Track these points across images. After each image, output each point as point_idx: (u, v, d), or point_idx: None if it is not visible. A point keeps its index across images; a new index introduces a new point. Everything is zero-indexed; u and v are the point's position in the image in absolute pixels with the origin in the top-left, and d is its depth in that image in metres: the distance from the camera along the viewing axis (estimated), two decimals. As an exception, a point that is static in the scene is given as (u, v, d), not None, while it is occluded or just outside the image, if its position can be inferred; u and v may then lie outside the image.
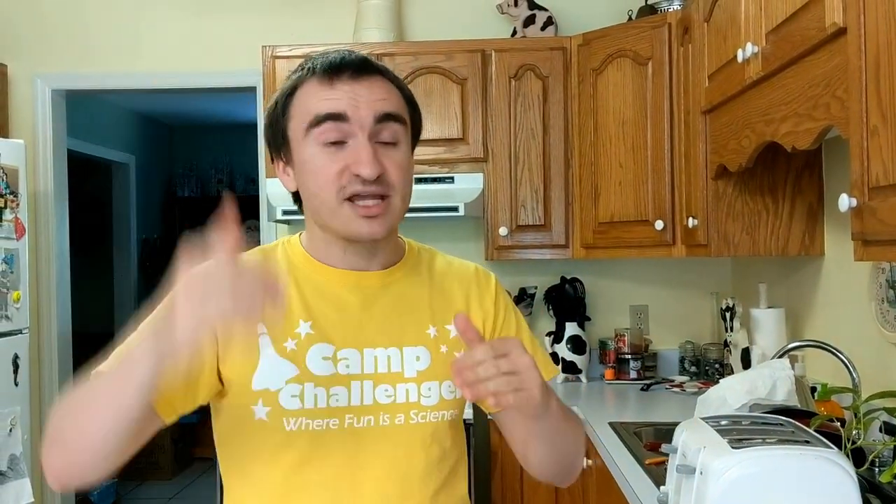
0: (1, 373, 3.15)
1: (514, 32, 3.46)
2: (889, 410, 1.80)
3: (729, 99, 2.23)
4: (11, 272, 3.22)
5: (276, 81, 3.21)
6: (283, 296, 1.00)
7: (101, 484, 5.12)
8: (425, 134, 3.54)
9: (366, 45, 3.29)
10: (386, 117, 1.19)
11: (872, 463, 1.77)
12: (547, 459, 1.31)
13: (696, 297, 3.56)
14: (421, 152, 3.16)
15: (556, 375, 1.42)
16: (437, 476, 1.24)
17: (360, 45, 3.30)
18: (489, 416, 1.39)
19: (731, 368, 2.90)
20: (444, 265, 1.36)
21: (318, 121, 1.17)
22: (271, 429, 1.18)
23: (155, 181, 7.10)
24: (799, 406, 1.99)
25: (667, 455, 1.51)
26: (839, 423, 1.81)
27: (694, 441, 1.37)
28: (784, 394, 1.98)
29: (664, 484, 1.49)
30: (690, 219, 2.69)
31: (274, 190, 3.20)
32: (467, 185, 3.24)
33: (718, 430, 1.37)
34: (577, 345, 3.36)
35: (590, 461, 2.70)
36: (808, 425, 1.52)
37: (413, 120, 1.27)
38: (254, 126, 3.76)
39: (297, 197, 1.28)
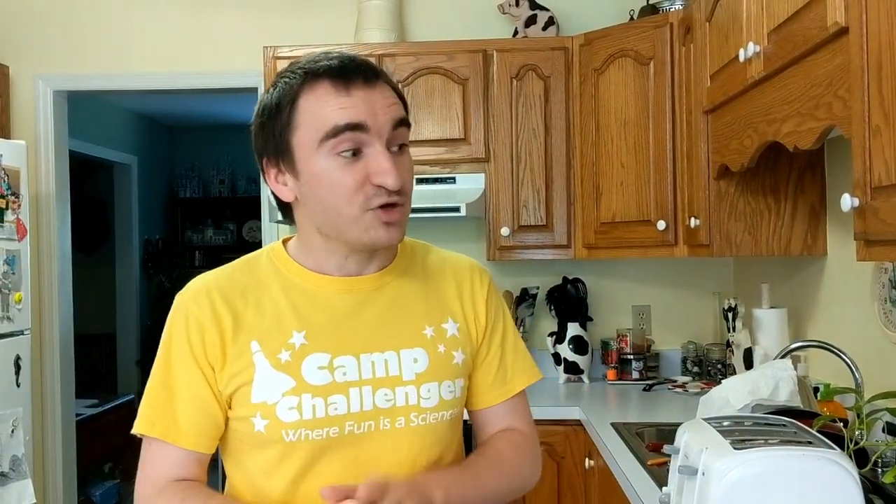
0: (3, 374, 3.15)
1: (516, 32, 3.45)
2: (892, 411, 1.79)
3: (731, 99, 2.22)
4: (13, 273, 3.22)
5: (278, 82, 3.20)
6: None
7: (104, 485, 5.13)
8: (427, 134, 3.56)
9: (367, 46, 3.29)
10: (400, 123, 1.17)
11: (875, 464, 1.76)
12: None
13: (698, 298, 3.56)
14: (422, 152, 3.21)
15: (539, 379, 1.40)
16: None
17: (361, 46, 3.30)
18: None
19: (734, 369, 2.90)
20: (438, 261, 1.35)
21: (337, 131, 1.13)
22: (271, 440, 1.18)
23: (156, 182, 7.11)
24: (801, 407, 1.98)
25: (669, 456, 1.51)
26: (842, 424, 1.80)
27: (696, 442, 1.36)
28: (786, 394, 1.98)
29: (666, 485, 1.49)
30: (692, 219, 2.69)
31: (275, 190, 3.19)
32: (469, 186, 3.24)
33: (720, 431, 1.37)
34: (579, 345, 3.35)
35: (592, 462, 2.70)
36: (810, 426, 1.51)
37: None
38: (255, 127, 3.75)
39: (283, 206, 1.24)
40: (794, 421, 1.44)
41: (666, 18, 2.95)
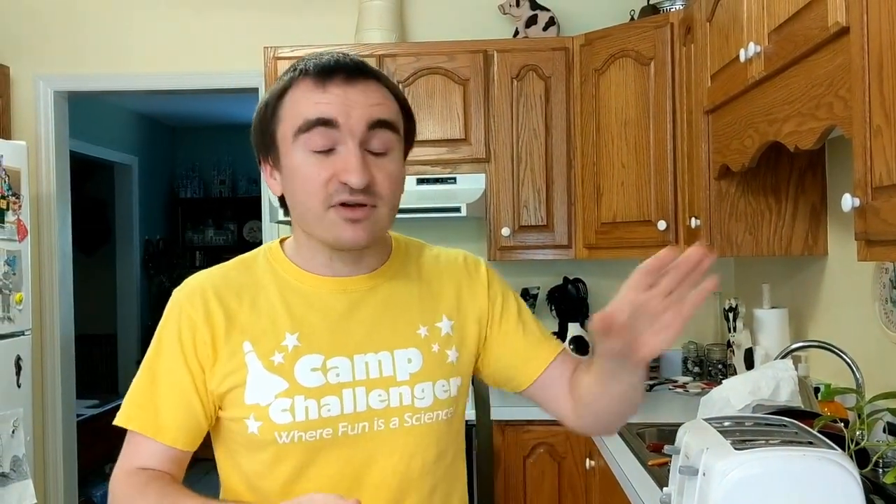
0: (3, 374, 3.15)
1: (517, 33, 3.45)
2: (893, 411, 1.79)
3: (731, 99, 2.22)
4: (14, 274, 3.22)
5: (278, 82, 3.20)
6: None
7: (104, 485, 5.12)
8: (427, 134, 3.55)
9: (367, 46, 3.29)
10: (378, 124, 1.15)
11: (876, 464, 1.76)
12: (615, 414, 1.29)
13: (698, 298, 3.55)
14: (423, 153, 3.21)
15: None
16: (433, 476, 1.24)
17: (361, 46, 3.30)
18: (519, 393, 1.35)
19: (735, 369, 2.90)
20: (432, 259, 1.34)
21: (308, 126, 1.13)
22: (265, 442, 1.18)
23: (157, 182, 7.10)
24: (802, 407, 1.98)
25: (669, 456, 1.51)
26: (843, 424, 1.80)
27: (697, 442, 1.36)
28: (787, 394, 1.98)
29: (667, 485, 1.49)
30: (693, 219, 2.68)
31: (276, 191, 3.19)
32: (469, 186, 3.24)
33: (721, 431, 1.37)
34: (580, 345, 3.35)
35: (593, 462, 2.70)
36: (811, 426, 1.51)
37: (407, 129, 1.23)
38: (256, 127, 3.76)
39: (283, 201, 1.25)
40: (794, 421, 1.44)
41: (666, 18, 2.95)
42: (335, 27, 3.62)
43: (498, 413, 2.93)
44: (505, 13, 3.48)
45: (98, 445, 4.95)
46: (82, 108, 5.09)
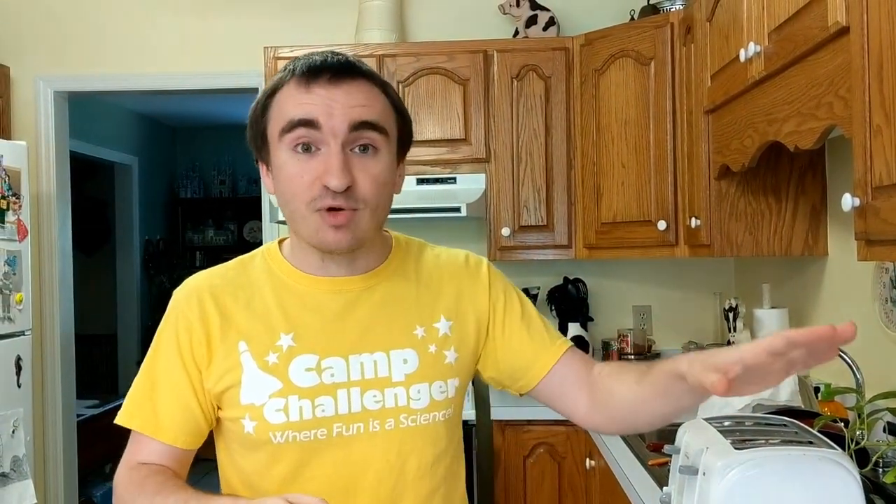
0: (3, 374, 3.15)
1: (517, 33, 3.45)
2: (893, 411, 1.79)
3: (731, 98, 2.22)
4: (14, 274, 3.22)
5: (278, 82, 3.20)
6: None
7: (105, 485, 5.12)
8: (427, 134, 3.55)
9: (367, 46, 3.29)
10: (362, 125, 1.13)
11: (876, 464, 1.76)
12: (639, 424, 1.28)
13: (699, 298, 3.56)
14: (423, 153, 3.20)
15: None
16: (430, 478, 1.23)
17: (361, 46, 3.30)
18: (521, 395, 1.34)
19: (735, 369, 2.89)
20: (433, 259, 1.33)
21: (291, 126, 1.13)
22: (260, 442, 1.18)
23: (157, 182, 7.10)
24: (802, 406, 1.98)
25: (669, 456, 1.50)
26: (843, 424, 1.80)
27: (696, 442, 1.36)
28: (787, 394, 1.98)
29: (667, 485, 1.49)
30: (693, 219, 2.68)
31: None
32: (469, 186, 3.24)
33: (721, 431, 1.37)
34: (580, 345, 3.35)
35: (593, 462, 2.70)
36: (811, 426, 1.51)
37: (400, 129, 1.21)
38: (256, 127, 3.76)
39: None
40: (794, 421, 1.44)
41: (666, 18, 2.95)
42: (335, 27, 3.62)
43: (498, 413, 2.93)
44: (505, 13, 3.48)
45: (98, 445, 4.95)
46: (82, 108, 5.09)
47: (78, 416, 4.15)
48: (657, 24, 2.98)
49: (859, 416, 1.80)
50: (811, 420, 1.69)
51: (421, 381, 1.22)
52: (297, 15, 3.69)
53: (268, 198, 3.44)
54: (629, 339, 3.40)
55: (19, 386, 3.23)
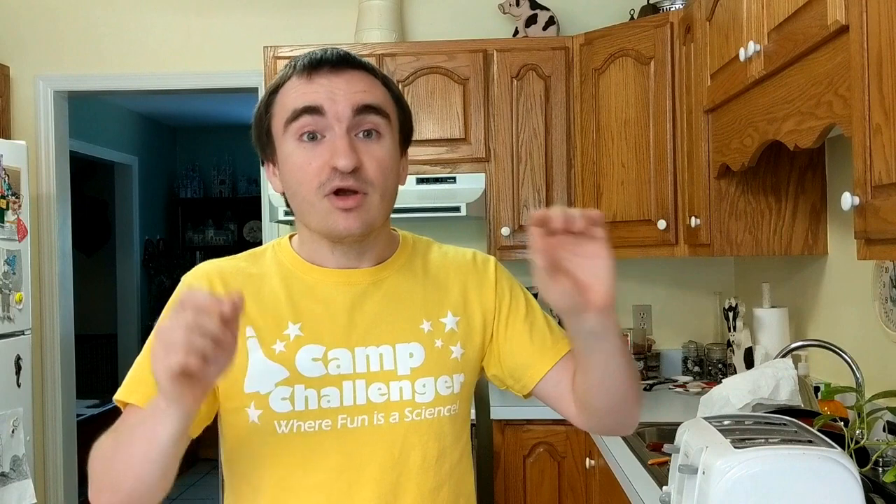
0: (3, 374, 3.15)
1: (516, 32, 3.45)
2: (893, 410, 1.79)
3: (731, 98, 2.22)
4: (14, 273, 3.22)
5: (278, 82, 3.21)
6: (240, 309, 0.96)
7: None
8: (427, 134, 3.55)
9: (367, 46, 3.29)
10: (365, 109, 1.17)
11: (876, 463, 1.76)
12: (613, 400, 1.20)
13: (699, 297, 3.55)
14: (423, 152, 3.20)
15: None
16: (434, 474, 1.22)
17: (361, 46, 3.30)
18: (524, 396, 1.32)
19: (735, 368, 2.90)
20: (440, 256, 1.34)
21: (296, 115, 1.16)
22: (264, 432, 1.18)
23: (157, 182, 7.11)
24: (802, 406, 1.98)
25: (669, 455, 1.50)
26: (842, 423, 1.80)
27: (696, 441, 1.36)
28: (787, 393, 1.98)
29: (667, 484, 1.49)
30: (693, 218, 2.68)
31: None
32: (469, 185, 3.23)
33: (721, 430, 1.37)
34: (580, 345, 3.34)
35: (593, 461, 2.70)
36: (811, 425, 1.51)
37: (402, 120, 1.24)
38: (256, 127, 3.76)
39: (287, 199, 1.26)
40: (794, 420, 1.44)
41: (666, 18, 2.95)
42: (335, 26, 3.62)
43: (498, 413, 2.92)
44: (505, 12, 3.48)
45: (98, 445, 4.95)
46: (82, 108, 5.09)
47: (78, 415, 4.15)
48: (657, 23, 2.98)
49: (859, 415, 1.80)
50: (811, 419, 1.69)
51: (426, 375, 1.23)
52: (297, 14, 3.69)
53: (268, 198, 3.43)
54: (629, 338, 3.40)
55: (19, 385, 3.23)
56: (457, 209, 3.14)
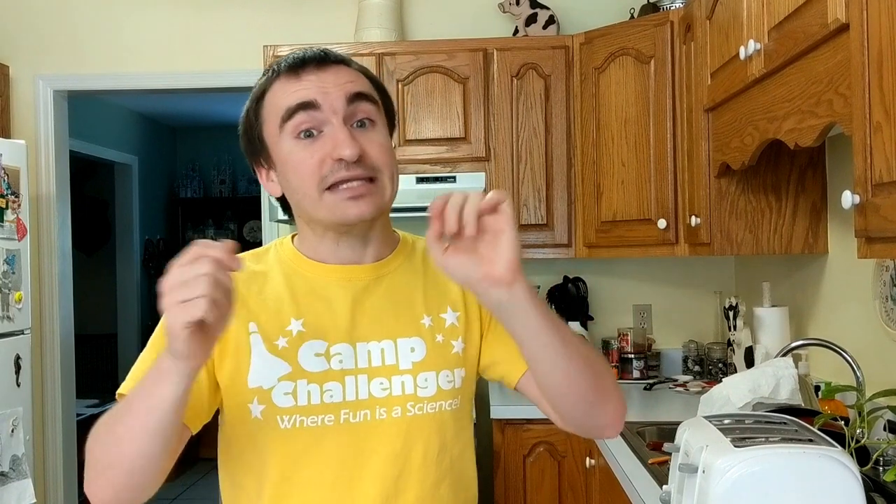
0: (3, 373, 3.15)
1: (516, 31, 3.45)
2: (893, 409, 1.79)
3: (731, 96, 2.22)
4: (13, 273, 3.22)
5: (278, 81, 3.21)
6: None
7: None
8: (427, 133, 3.55)
9: (367, 45, 3.29)
10: (357, 97, 1.19)
11: (877, 462, 1.76)
12: (575, 388, 1.15)
13: (699, 296, 3.55)
14: (422, 151, 3.21)
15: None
16: (436, 468, 1.23)
17: (361, 45, 3.30)
18: (512, 389, 1.30)
19: (735, 367, 2.89)
20: None
21: (290, 113, 1.17)
22: (267, 427, 1.18)
23: (157, 182, 7.11)
24: (802, 405, 1.98)
25: (669, 454, 1.50)
26: (843, 422, 1.80)
27: (696, 440, 1.36)
28: (787, 392, 1.98)
29: (667, 483, 1.49)
30: (693, 217, 2.68)
31: (275, 190, 3.20)
32: (469, 185, 3.23)
33: (721, 429, 1.36)
34: (580, 344, 3.34)
35: (593, 461, 2.70)
36: (811, 424, 1.51)
37: (386, 105, 1.27)
38: (255, 126, 3.76)
39: (283, 203, 1.27)
40: (795, 419, 1.43)
41: (666, 17, 2.95)
42: (335, 26, 3.62)
43: (498, 412, 2.92)
44: (504, 11, 3.48)
45: (98, 445, 4.95)
46: (82, 108, 5.09)
47: (78, 415, 4.15)
48: (657, 22, 2.98)
49: (860, 414, 1.80)
50: (811, 418, 1.69)
51: (428, 369, 1.23)
52: (297, 13, 3.69)
53: (267, 197, 3.43)
54: (629, 337, 3.39)
55: (19, 385, 3.23)
56: (457, 208, 3.13)
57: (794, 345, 2.24)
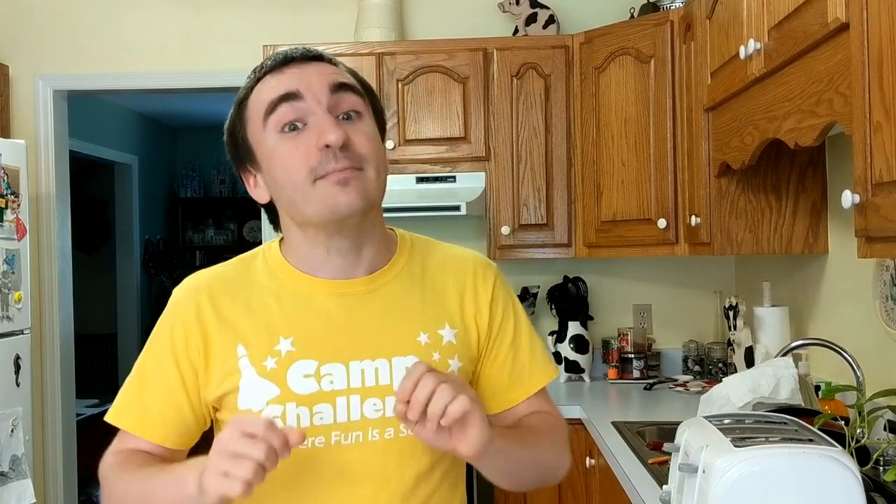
0: (2, 373, 3.14)
1: (516, 31, 3.45)
2: (894, 409, 1.79)
3: (731, 96, 2.22)
4: (13, 273, 3.21)
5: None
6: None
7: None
8: (427, 133, 3.55)
9: (367, 44, 3.29)
10: (341, 87, 1.16)
11: (877, 462, 1.76)
12: (524, 485, 1.32)
13: (699, 296, 3.55)
14: (422, 151, 3.21)
15: (556, 377, 1.36)
16: (426, 484, 1.20)
17: (360, 44, 3.29)
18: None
19: (735, 367, 2.89)
20: (440, 259, 1.29)
21: (273, 105, 1.15)
22: None
23: (157, 182, 7.10)
24: (802, 404, 1.98)
25: (669, 454, 1.50)
26: (843, 422, 1.80)
27: (696, 440, 1.36)
28: (787, 392, 1.97)
29: (667, 483, 1.48)
30: (693, 217, 2.68)
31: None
32: (469, 185, 3.23)
33: (721, 429, 1.36)
34: (580, 344, 3.35)
35: (593, 461, 2.69)
36: (811, 424, 1.51)
37: (376, 106, 1.23)
38: (255, 126, 3.76)
39: (270, 210, 1.24)
40: (795, 419, 1.43)
41: (666, 16, 2.95)
42: (334, 25, 3.62)
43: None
44: (504, 11, 3.48)
45: (98, 445, 4.95)
46: (82, 108, 5.08)
47: (78, 415, 4.15)
48: (657, 21, 2.97)
49: (860, 414, 1.79)
50: (811, 418, 1.69)
51: None
52: (297, 13, 3.68)
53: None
54: (629, 337, 3.39)
55: (18, 385, 3.23)
56: (457, 208, 3.13)
57: (794, 344, 2.24)
